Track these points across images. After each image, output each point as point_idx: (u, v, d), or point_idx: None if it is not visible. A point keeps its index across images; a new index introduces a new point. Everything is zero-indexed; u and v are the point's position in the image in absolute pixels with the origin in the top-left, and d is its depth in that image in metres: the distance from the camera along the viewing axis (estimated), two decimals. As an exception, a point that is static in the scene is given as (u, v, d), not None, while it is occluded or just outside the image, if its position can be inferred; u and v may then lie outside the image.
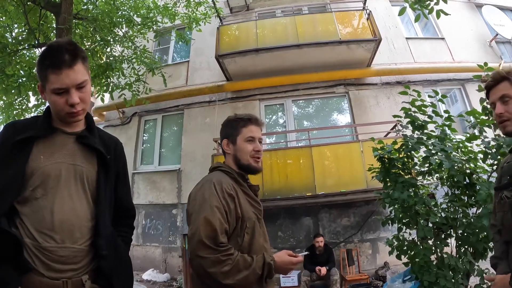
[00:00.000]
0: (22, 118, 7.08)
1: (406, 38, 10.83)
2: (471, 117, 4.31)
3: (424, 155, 4.33)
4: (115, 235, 1.80)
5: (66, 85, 1.59)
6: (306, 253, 2.24)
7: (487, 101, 2.03)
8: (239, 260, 1.70)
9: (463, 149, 4.50)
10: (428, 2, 5.38)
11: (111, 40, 7.68)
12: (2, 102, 7.36)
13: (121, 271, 1.77)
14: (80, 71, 1.62)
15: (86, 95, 1.68)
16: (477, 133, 4.24)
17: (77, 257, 1.58)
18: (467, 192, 4.32)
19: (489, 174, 4.26)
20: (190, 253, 1.74)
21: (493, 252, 2.13)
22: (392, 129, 7.92)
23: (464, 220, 4.25)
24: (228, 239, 1.79)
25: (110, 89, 7.42)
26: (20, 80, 6.95)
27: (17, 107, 7.35)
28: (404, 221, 4.61)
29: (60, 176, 1.62)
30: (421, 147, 4.44)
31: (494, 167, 4.10)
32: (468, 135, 4.35)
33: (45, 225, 1.53)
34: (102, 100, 8.12)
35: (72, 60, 1.59)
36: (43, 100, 7.22)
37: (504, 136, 3.74)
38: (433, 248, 4.31)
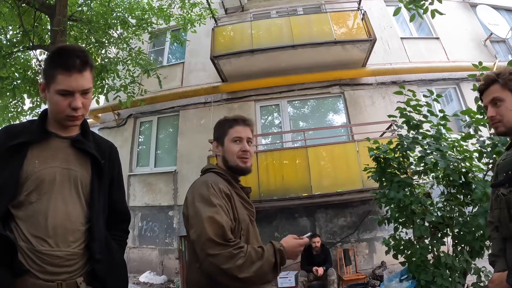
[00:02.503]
0: (18, 121, 7.06)
1: (401, 38, 10.87)
2: (466, 116, 4.32)
3: (419, 154, 4.34)
4: (110, 238, 1.81)
5: (73, 88, 1.62)
6: (310, 233, 2.23)
7: (480, 102, 2.06)
8: (251, 252, 1.67)
9: (458, 148, 4.51)
10: (423, 2, 5.40)
11: (106, 41, 7.67)
12: (-4, 105, 7.34)
13: (115, 274, 1.77)
14: (87, 78, 1.67)
15: (88, 102, 1.72)
16: (472, 132, 4.26)
17: (71, 260, 1.59)
18: (463, 191, 4.33)
19: (484, 172, 4.27)
20: (199, 255, 1.67)
21: (491, 250, 2.14)
22: (387, 129, 7.94)
23: (460, 218, 4.27)
24: None
25: (105, 91, 7.41)
26: (15, 83, 6.93)
27: (12, 109, 7.32)
28: (400, 220, 4.63)
29: (55, 180, 1.63)
30: (417, 146, 4.46)
31: (490, 166, 4.12)
32: (463, 134, 4.37)
33: (40, 229, 1.54)
34: (97, 102, 8.12)
35: (82, 66, 1.64)
36: (38, 103, 7.21)
37: (499, 135, 3.77)
38: (430, 247, 4.32)
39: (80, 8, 7.53)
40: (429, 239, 4.42)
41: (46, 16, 6.71)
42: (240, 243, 1.68)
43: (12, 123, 6.38)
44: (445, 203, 4.46)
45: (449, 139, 4.55)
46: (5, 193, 1.55)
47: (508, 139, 2.04)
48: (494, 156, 3.88)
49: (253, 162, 2.10)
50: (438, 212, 4.38)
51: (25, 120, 6.20)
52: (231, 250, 1.62)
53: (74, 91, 1.63)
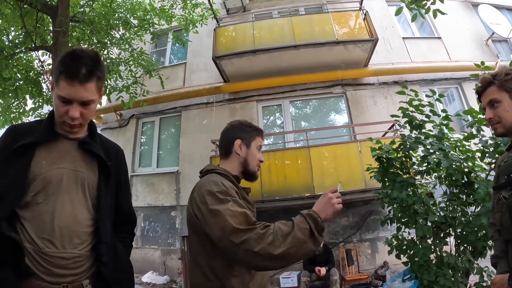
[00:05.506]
0: (20, 121, 7.08)
1: (403, 37, 10.85)
2: (469, 116, 4.31)
3: (422, 154, 4.34)
4: (116, 240, 1.80)
5: (71, 97, 1.58)
6: (340, 185, 2.06)
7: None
8: (279, 226, 1.58)
9: (461, 148, 4.50)
10: (425, 1, 5.38)
11: (108, 42, 7.69)
12: (-1, 105, 7.36)
13: (121, 276, 1.77)
14: (90, 89, 1.62)
15: (88, 112, 1.68)
16: (474, 132, 4.24)
17: (77, 262, 1.58)
18: (465, 190, 4.32)
19: (487, 172, 4.26)
20: (231, 251, 1.57)
21: (493, 251, 2.14)
22: (389, 128, 7.93)
23: (463, 218, 4.25)
24: None
25: (107, 92, 7.44)
26: (17, 84, 6.95)
27: (14, 110, 7.33)
28: (403, 220, 4.62)
29: (62, 181, 1.62)
30: (419, 146, 4.45)
31: (492, 166, 4.11)
32: (465, 134, 4.36)
33: (45, 230, 1.53)
34: (100, 102, 8.11)
35: (86, 77, 1.58)
36: (40, 103, 7.23)
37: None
38: (432, 247, 4.32)
39: (82, 9, 7.55)
40: (431, 239, 4.41)
41: (48, 17, 6.73)
42: (265, 224, 1.61)
43: (14, 123, 6.40)
44: (447, 203, 4.45)
45: (452, 139, 4.54)
46: (12, 193, 1.54)
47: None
48: (497, 156, 3.86)
49: None
50: (441, 212, 4.37)
51: (28, 121, 6.21)
52: (258, 230, 1.55)
53: (73, 100, 1.59)
